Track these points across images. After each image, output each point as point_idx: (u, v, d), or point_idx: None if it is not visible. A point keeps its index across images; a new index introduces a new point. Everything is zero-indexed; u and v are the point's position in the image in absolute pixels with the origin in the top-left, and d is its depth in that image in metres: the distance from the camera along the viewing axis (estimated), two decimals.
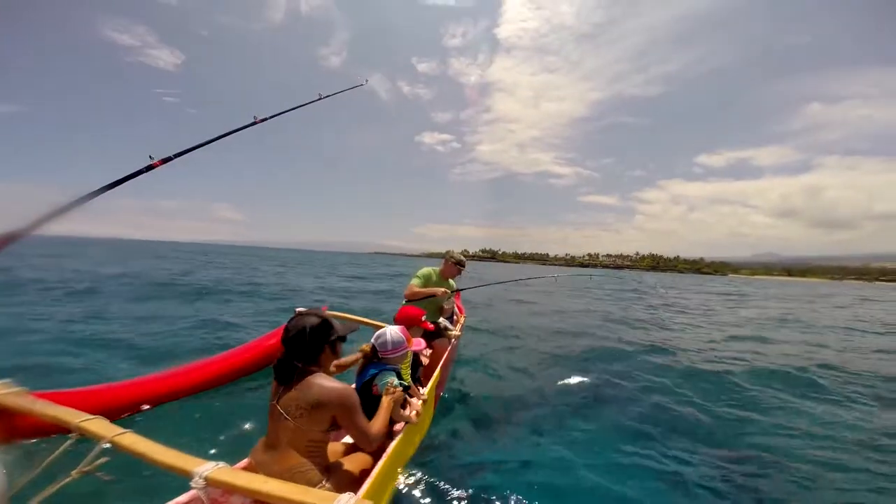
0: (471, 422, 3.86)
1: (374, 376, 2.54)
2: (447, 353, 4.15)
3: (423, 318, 3.21)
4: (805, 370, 6.25)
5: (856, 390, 5.42)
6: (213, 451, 2.94)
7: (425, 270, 4.60)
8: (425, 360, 4.61)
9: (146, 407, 3.33)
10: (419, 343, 2.99)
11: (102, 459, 1.56)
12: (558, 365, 6.32)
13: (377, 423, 2.10)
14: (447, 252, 4.80)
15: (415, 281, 4.48)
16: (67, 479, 1.52)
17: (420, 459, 2.98)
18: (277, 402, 1.87)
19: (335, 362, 2.54)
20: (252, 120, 3.33)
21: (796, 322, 13.13)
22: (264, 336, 4.83)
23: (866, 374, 6.22)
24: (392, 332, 2.70)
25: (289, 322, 2.05)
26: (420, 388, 3.11)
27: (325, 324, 2.05)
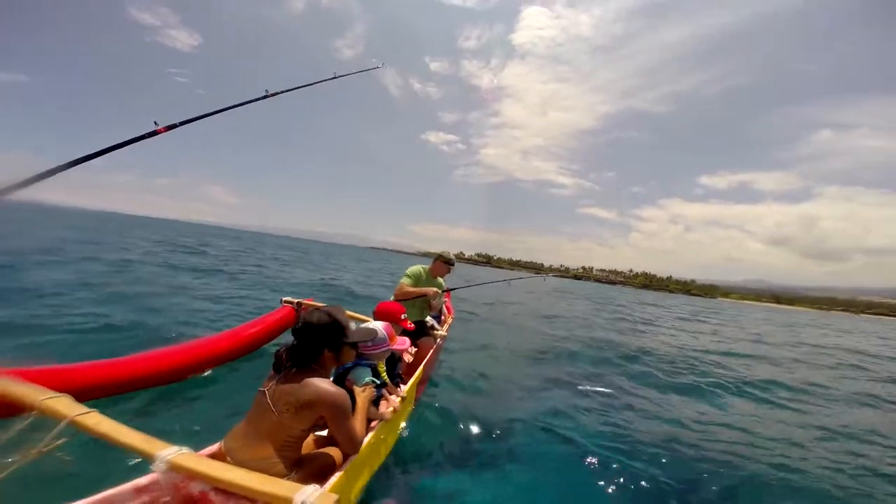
0: (449, 422, 3.87)
1: (349, 370, 2.52)
2: (431, 352, 4.14)
3: (405, 317, 3.14)
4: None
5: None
6: (185, 437, 2.88)
7: (415, 269, 4.58)
8: (408, 358, 4.59)
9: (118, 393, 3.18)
10: (403, 342, 2.97)
11: (62, 440, 1.52)
12: (538, 367, 6.64)
13: (357, 424, 2.08)
14: (440, 253, 4.79)
15: (405, 280, 4.46)
16: (23, 461, 1.47)
17: (394, 457, 2.97)
18: (266, 392, 1.84)
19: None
20: (264, 93, 3.26)
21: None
22: (248, 323, 4.76)
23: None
24: (374, 327, 2.68)
25: (304, 313, 2.07)
26: (400, 387, 3.09)
27: (336, 326, 2.02)
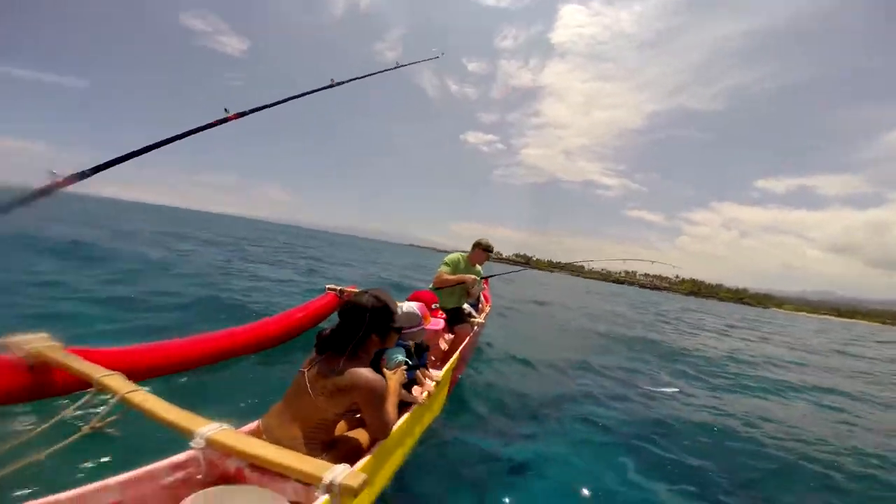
0: (484, 409, 3.91)
1: (383, 350, 2.50)
2: (468, 339, 4.15)
3: (436, 306, 3.10)
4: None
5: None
6: (228, 415, 3.02)
7: (453, 256, 4.58)
8: (444, 345, 4.61)
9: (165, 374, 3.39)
10: (437, 323, 2.94)
11: (114, 417, 1.64)
12: (578, 361, 6.66)
13: (389, 408, 2.06)
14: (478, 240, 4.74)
15: (444, 268, 4.46)
16: (78, 435, 1.60)
17: (428, 441, 2.99)
18: (305, 374, 1.85)
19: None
20: (329, 82, 3.32)
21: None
22: (293, 309, 4.95)
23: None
24: (408, 307, 2.68)
25: (353, 295, 2.01)
26: (429, 371, 3.08)
27: (386, 310, 1.98)
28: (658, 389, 5.60)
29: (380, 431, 1.99)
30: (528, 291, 20.06)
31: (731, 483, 3.26)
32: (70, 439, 1.57)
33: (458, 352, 3.77)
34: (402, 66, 4.25)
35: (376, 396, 1.86)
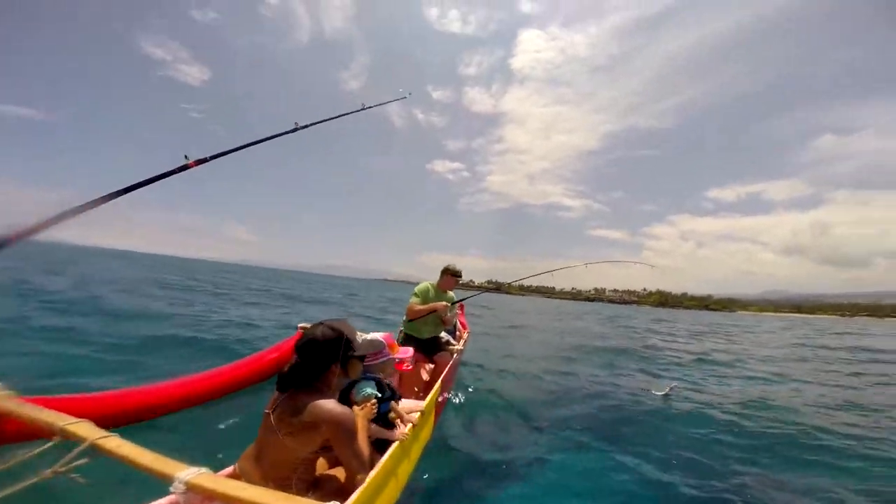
0: (473, 437, 3.88)
1: (352, 385, 2.42)
2: (448, 367, 4.11)
3: (406, 337, 3.07)
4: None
5: None
6: (204, 461, 2.88)
7: (422, 286, 4.55)
8: (425, 375, 4.55)
9: (139, 419, 3.28)
10: (406, 351, 2.91)
11: (81, 461, 1.52)
12: (559, 380, 6.81)
13: (361, 443, 1.95)
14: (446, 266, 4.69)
15: (414, 299, 4.43)
16: (36, 479, 1.47)
17: (420, 474, 2.92)
18: (272, 413, 1.77)
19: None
20: (294, 126, 3.21)
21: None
22: (266, 350, 4.83)
23: None
24: (372, 336, 2.64)
25: (307, 329, 1.93)
26: (411, 401, 3.03)
27: (340, 339, 1.89)
28: (657, 393, 5.86)
29: (352, 467, 1.86)
30: (503, 316, 20.24)
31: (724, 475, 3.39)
32: (29, 482, 1.44)
33: (440, 380, 3.73)
34: (369, 107, 4.17)
35: (343, 430, 1.75)
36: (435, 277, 4.56)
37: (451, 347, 4.66)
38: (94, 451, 1.53)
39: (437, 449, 3.36)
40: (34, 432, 2.04)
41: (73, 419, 1.66)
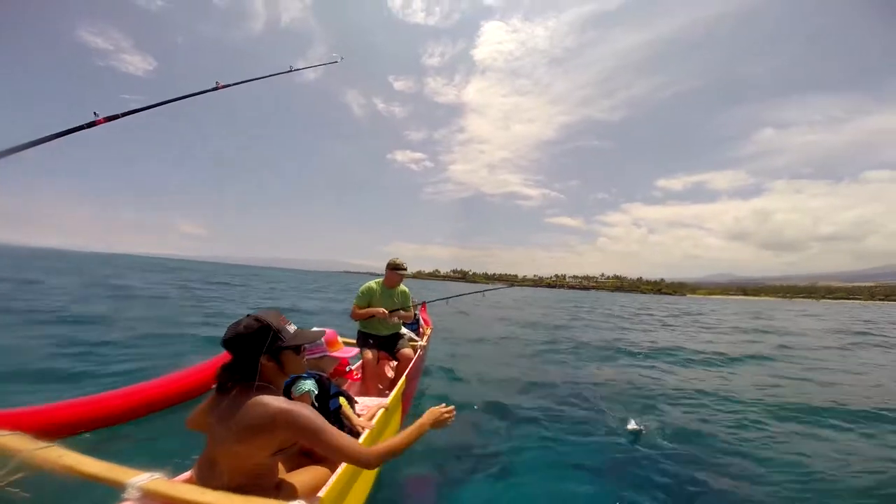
0: (442, 435, 3.81)
1: (294, 381, 2.29)
2: (412, 363, 4.05)
3: (349, 369, 2.90)
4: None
5: None
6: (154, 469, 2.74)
7: (366, 286, 4.30)
8: (390, 373, 4.48)
9: (81, 432, 3.07)
10: (348, 350, 2.80)
11: (17, 475, 1.40)
12: (523, 368, 6.84)
13: (387, 445, 1.72)
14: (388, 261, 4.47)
15: (357, 301, 4.22)
16: None
17: (390, 471, 2.88)
18: (215, 421, 1.56)
19: None
20: (214, 85, 3.05)
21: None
22: (220, 356, 4.57)
23: None
24: (315, 329, 2.52)
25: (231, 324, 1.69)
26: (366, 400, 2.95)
27: (265, 330, 1.65)
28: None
29: (348, 458, 1.60)
30: (469, 307, 20.32)
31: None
32: None
33: (403, 375, 3.66)
34: (297, 69, 3.97)
35: (306, 425, 1.52)
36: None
37: (413, 343, 4.57)
38: (32, 464, 1.41)
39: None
40: None
41: (4, 432, 1.52)
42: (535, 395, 5.34)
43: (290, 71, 3.89)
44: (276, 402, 1.53)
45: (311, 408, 1.62)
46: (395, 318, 4.25)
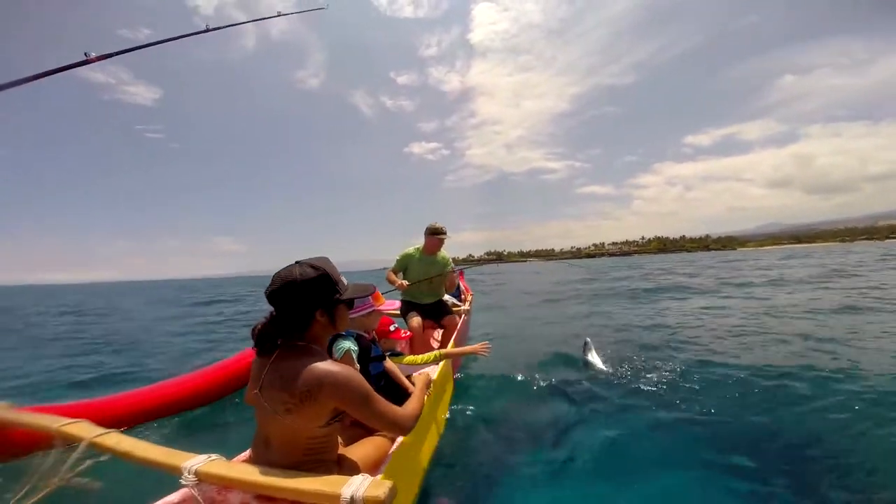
0: (494, 401, 3.74)
1: (333, 340, 2.10)
2: (458, 329, 4.01)
3: (394, 327, 2.67)
4: None
5: None
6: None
7: (404, 252, 4.24)
8: (434, 343, 4.43)
9: (138, 421, 3.18)
10: (392, 303, 2.68)
11: (87, 463, 1.43)
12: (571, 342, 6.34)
13: (411, 404, 1.66)
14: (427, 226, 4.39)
15: (392, 267, 4.18)
16: (46, 492, 1.38)
17: (445, 439, 2.82)
18: (259, 391, 1.40)
19: None
20: (205, 27, 3.17)
21: None
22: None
23: None
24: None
25: (280, 271, 1.48)
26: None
27: (324, 280, 1.46)
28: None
29: (392, 428, 1.51)
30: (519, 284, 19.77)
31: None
32: (43, 493, 1.34)
33: (451, 340, 3.65)
34: (284, 14, 4.13)
35: (349, 390, 1.38)
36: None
37: (457, 309, 4.51)
38: (95, 451, 1.44)
39: (458, 416, 3.25)
40: (34, 442, 1.98)
41: (69, 420, 1.59)
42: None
43: (279, 15, 4.08)
44: (323, 364, 1.38)
45: (359, 373, 1.48)
46: (444, 277, 4.23)
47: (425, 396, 1.81)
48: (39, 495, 1.36)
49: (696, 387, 3.87)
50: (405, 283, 3.97)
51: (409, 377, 2.45)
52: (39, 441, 1.51)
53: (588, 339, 5.05)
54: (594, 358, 4.80)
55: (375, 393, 1.47)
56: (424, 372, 2.03)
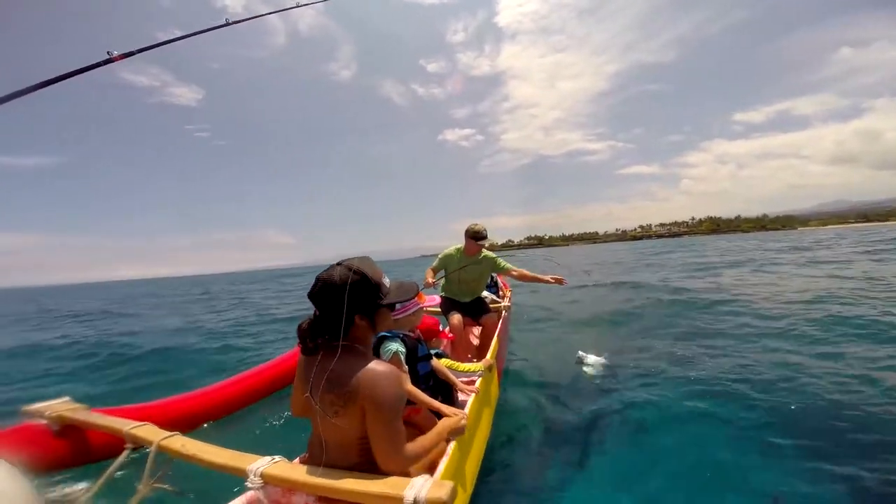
0: (541, 397, 3.66)
1: (378, 342, 2.04)
2: (500, 326, 3.90)
3: (444, 328, 2.70)
4: None
5: None
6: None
7: (446, 251, 4.12)
8: (475, 340, 4.34)
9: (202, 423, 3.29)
10: (432, 299, 2.59)
11: (163, 471, 1.49)
12: (623, 334, 6.20)
13: (421, 442, 1.51)
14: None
15: (433, 266, 4.07)
16: (139, 497, 1.43)
17: (499, 436, 2.81)
18: (310, 393, 1.38)
19: None
20: (224, 21, 3.13)
21: None
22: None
23: None
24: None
25: (322, 273, 1.43)
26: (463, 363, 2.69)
27: (366, 283, 1.41)
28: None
29: (387, 452, 1.34)
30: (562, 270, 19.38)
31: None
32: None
33: (495, 337, 3.51)
34: (302, 4, 3.94)
35: (382, 400, 1.30)
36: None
37: (496, 306, 4.40)
38: (162, 452, 1.48)
39: (506, 411, 3.21)
40: (106, 445, 2.08)
41: (137, 423, 1.64)
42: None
43: (297, 6, 3.90)
44: (370, 365, 1.34)
45: (403, 384, 1.41)
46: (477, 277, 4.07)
47: (439, 444, 1.64)
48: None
49: None
50: (435, 281, 3.84)
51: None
52: (111, 445, 1.59)
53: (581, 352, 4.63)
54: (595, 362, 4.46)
55: (400, 418, 1.38)
56: (456, 417, 1.85)
